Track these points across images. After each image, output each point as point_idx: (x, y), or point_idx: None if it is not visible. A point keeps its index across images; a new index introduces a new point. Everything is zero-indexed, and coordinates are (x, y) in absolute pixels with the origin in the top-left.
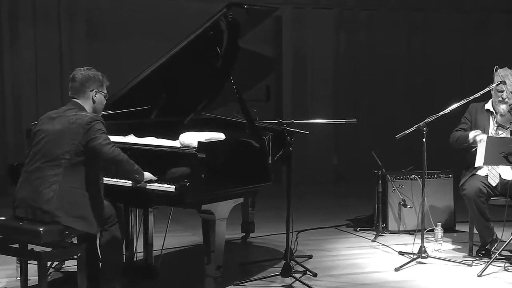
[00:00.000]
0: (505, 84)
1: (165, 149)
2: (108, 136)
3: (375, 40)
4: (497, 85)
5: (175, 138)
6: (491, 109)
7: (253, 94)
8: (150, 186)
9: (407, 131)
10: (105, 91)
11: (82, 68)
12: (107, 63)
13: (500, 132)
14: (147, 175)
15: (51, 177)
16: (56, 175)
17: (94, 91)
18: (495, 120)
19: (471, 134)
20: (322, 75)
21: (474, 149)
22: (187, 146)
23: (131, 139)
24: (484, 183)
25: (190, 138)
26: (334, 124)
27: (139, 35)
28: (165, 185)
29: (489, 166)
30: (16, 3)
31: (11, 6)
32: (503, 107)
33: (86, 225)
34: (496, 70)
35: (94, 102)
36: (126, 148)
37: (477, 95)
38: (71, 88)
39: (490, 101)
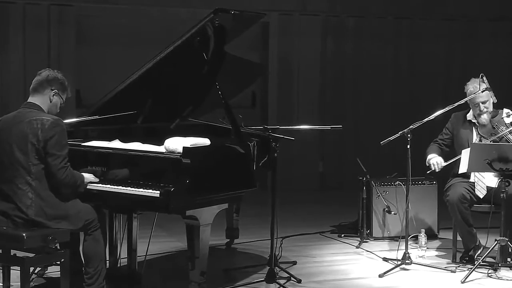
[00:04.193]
0: (491, 90)
1: (150, 154)
2: (67, 148)
3: (362, 47)
4: (482, 91)
5: (161, 143)
6: (473, 120)
7: (239, 100)
8: (134, 191)
9: (392, 138)
10: (64, 99)
11: (52, 70)
12: (96, 69)
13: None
14: (89, 178)
15: (24, 185)
16: (29, 182)
17: (54, 91)
18: (478, 130)
19: (427, 157)
20: (308, 81)
21: (428, 172)
22: (172, 152)
23: (116, 144)
24: (468, 190)
25: (176, 144)
26: (319, 130)
27: (128, 41)
28: (150, 191)
29: (476, 178)
30: (7, 10)
31: (1, 12)
32: (484, 117)
33: (69, 223)
34: (482, 78)
35: (50, 101)
36: (110, 153)
37: (462, 101)
38: (33, 83)
39: (471, 112)
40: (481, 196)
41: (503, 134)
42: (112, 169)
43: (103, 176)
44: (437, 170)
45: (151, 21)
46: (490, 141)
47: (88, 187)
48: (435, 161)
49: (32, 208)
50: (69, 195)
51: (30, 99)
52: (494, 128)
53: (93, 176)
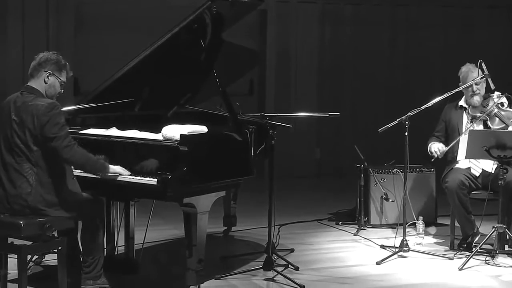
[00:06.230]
0: (489, 77)
1: (147, 142)
2: (67, 128)
3: (359, 34)
4: (481, 78)
5: (158, 131)
6: (464, 105)
7: (236, 88)
8: (131, 179)
9: (390, 125)
10: (63, 79)
11: (48, 51)
12: (94, 57)
13: (474, 124)
14: (116, 169)
15: (25, 171)
16: (30, 169)
17: (48, 72)
18: (468, 114)
19: (428, 145)
20: (305, 69)
21: (432, 160)
22: (170, 139)
23: (113, 132)
24: (467, 176)
25: (173, 131)
26: (317, 117)
27: (127, 29)
28: (147, 178)
29: (471, 163)
30: None
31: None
32: (476, 99)
33: (68, 211)
34: (480, 64)
35: (45, 83)
36: (108, 141)
37: (460, 88)
38: (29, 68)
39: (463, 98)
40: (477, 174)
41: (491, 108)
42: (110, 157)
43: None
44: (440, 156)
45: (150, 9)
46: (479, 116)
47: (86, 175)
48: (436, 147)
49: (32, 195)
50: (71, 183)
51: (29, 84)
52: (484, 106)
53: (122, 169)
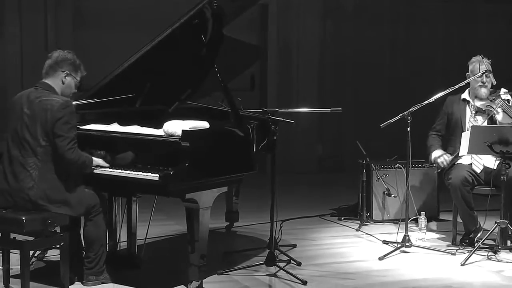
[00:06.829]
0: (491, 73)
1: (149, 137)
2: (76, 131)
3: (361, 29)
4: (482, 73)
5: (160, 126)
6: (468, 98)
7: (237, 83)
8: (133, 175)
9: (392, 120)
10: (78, 78)
11: (62, 50)
12: (93, 52)
13: (478, 117)
14: (97, 161)
15: (29, 165)
16: (34, 163)
17: (65, 72)
18: (472, 107)
19: (432, 156)
20: (307, 64)
21: (438, 170)
22: (171, 135)
23: (115, 127)
24: (470, 172)
25: (174, 127)
26: (319, 113)
27: (126, 24)
28: (149, 174)
29: (473, 159)
30: None
31: None
32: (484, 91)
33: (70, 209)
34: (482, 59)
35: (63, 83)
36: (109, 137)
37: (462, 84)
38: (44, 67)
39: (466, 91)
40: (478, 171)
41: (499, 104)
42: (111, 152)
43: (106, 160)
44: (447, 167)
45: (150, 4)
46: (484, 109)
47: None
48: (443, 159)
49: (34, 189)
50: (74, 180)
51: (44, 80)
52: (491, 101)
53: (103, 161)
